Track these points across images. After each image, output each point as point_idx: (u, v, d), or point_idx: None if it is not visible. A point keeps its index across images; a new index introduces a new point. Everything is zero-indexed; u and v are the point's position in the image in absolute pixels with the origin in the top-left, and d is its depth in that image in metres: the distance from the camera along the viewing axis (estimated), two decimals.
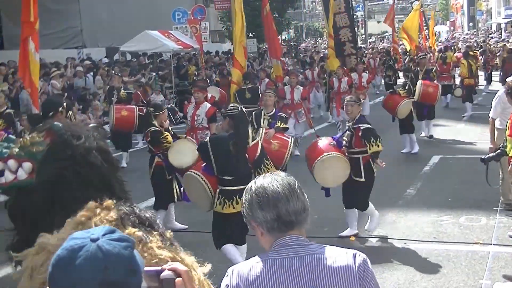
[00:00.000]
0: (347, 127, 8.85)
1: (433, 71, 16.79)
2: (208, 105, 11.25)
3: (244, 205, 2.58)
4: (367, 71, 20.77)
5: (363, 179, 8.48)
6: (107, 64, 24.33)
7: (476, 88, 22.08)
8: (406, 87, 14.90)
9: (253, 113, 10.13)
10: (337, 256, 2.49)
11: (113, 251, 1.43)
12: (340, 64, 18.19)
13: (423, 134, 16.06)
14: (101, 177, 1.97)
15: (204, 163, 7.30)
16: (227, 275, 2.52)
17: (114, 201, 1.75)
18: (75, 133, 2.02)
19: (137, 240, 1.62)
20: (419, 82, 15.10)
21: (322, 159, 8.36)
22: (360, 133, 8.40)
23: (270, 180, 2.56)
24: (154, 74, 23.03)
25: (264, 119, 9.89)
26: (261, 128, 9.18)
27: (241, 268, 2.52)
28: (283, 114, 10.25)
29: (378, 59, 29.26)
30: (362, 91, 17.51)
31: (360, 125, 8.45)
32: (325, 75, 24.21)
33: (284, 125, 9.91)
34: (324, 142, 8.74)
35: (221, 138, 7.24)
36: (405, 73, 16.17)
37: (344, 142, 8.60)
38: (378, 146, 8.32)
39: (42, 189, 1.96)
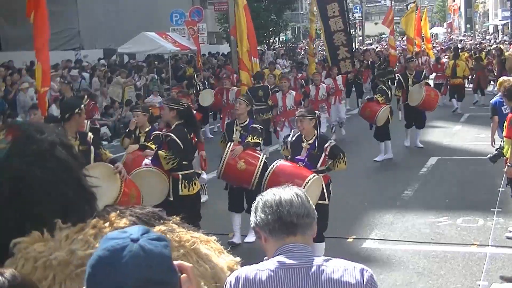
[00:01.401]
0: (308, 147, 7.53)
1: (423, 73, 15.58)
2: None
3: (252, 211, 2.61)
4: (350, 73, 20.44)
5: (326, 201, 7.41)
6: (110, 66, 24.35)
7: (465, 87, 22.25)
8: (383, 93, 13.48)
9: (225, 123, 9.71)
10: (344, 270, 2.45)
11: (155, 250, 1.45)
12: (316, 70, 17.60)
13: (407, 144, 14.96)
14: (69, 172, 1.93)
15: (151, 158, 7.62)
16: (230, 279, 2.44)
17: (118, 211, 1.77)
18: (38, 128, 1.98)
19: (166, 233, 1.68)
20: (418, 87, 14.19)
21: (311, 182, 7.08)
22: (328, 151, 7.51)
23: (279, 189, 2.60)
24: (152, 75, 23.04)
25: (236, 130, 8.92)
26: (229, 144, 8.40)
27: (247, 273, 2.48)
28: (257, 126, 8.81)
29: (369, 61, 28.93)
30: (339, 96, 16.84)
31: (329, 142, 7.68)
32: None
33: (256, 140, 8.55)
34: (289, 165, 7.45)
35: (181, 129, 7.61)
36: (379, 78, 14.58)
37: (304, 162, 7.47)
38: (345, 164, 7.66)
39: (8, 186, 1.88)
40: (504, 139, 7.96)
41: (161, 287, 1.44)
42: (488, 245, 8.08)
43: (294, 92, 14.61)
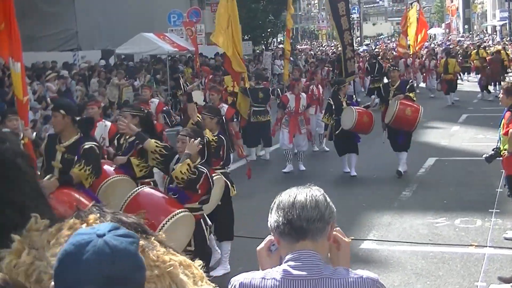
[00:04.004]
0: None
1: (410, 83, 13.13)
2: None
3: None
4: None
5: (192, 248, 6.08)
6: (104, 67, 24.32)
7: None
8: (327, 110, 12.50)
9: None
10: (352, 282, 2.38)
11: (120, 246, 1.44)
12: (294, 76, 15.79)
13: (400, 168, 12.31)
14: (29, 181, 1.93)
15: (115, 166, 6.96)
16: (232, 285, 2.43)
17: (98, 215, 1.71)
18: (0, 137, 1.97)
19: (141, 250, 1.60)
20: (393, 101, 11.97)
21: (175, 220, 5.87)
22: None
23: (297, 189, 2.50)
24: (148, 76, 23.04)
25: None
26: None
27: (248, 281, 2.42)
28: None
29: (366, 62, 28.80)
30: (320, 106, 14.92)
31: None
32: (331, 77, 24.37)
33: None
34: (155, 194, 6.36)
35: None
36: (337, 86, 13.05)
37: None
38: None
39: None
40: (502, 136, 7.97)
41: (124, 285, 1.43)
42: (486, 246, 8.08)
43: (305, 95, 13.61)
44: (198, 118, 7.93)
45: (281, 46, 45.61)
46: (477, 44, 36.14)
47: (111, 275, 1.41)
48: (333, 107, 12.44)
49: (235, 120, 12.27)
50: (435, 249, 8.10)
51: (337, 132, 12.42)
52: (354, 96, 15.05)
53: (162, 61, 26.62)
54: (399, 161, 12.31)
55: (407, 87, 12.35)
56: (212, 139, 7.63)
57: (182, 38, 26.71)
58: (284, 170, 13.04)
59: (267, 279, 2.40)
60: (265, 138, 14.56)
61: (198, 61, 23.86)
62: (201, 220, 6.29)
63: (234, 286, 2.42)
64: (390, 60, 27.03)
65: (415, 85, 15.55)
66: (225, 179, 7.75)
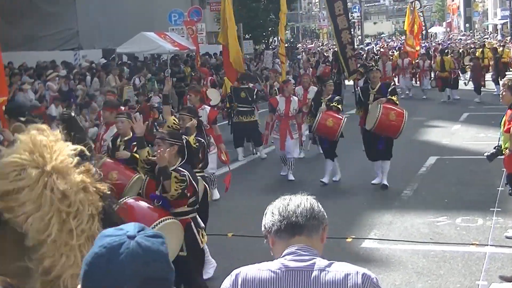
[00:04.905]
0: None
1: (391, 85, 11.85)
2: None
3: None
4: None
5: (184, 253, 6.07)
6: (105, 66, 24.31)
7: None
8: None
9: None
10: (346, 276, 2.42)
11: (152, 247, 1.45)
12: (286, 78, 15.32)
13: (375, 181, 11.43)
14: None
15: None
16: (231, 276, 2.48)
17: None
18: None
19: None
20: (375, 105, 10.93)
21: (158, 229, 5.58)
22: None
23: (290, 195, 2.62)
24: (149, 75, 23.04)
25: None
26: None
27: (248, 272, 2.47)
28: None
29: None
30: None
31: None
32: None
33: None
34: (140, 204, 6.21)
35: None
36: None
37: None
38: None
39: None
40: (503, 134, 7.96)
41: (158, 285, 1.43)
42: (488, 245, 8.07)
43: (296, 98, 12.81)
44: (173, 119, 7.72)
45: (286, 45, 45.69)
46: (482, 43, 36.08)
47: (147, 276, 1.41)
48: (313, 108, 11.85)
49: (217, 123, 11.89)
50: (436, 248, 8.09)
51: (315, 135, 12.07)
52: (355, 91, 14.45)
53: (159, 60, 26.62)
54: (382, 172, 11.25)
55: (389, 90, 11.18)
56: (194, 142, 7.56)
57: (183, 37, 26.72)
58: (282, 173, 12.61)
59: (263, 270, 2.46)
60: (253, 137, 14.51)
61: (199, 60, 23.88)
62: (192, 223, 6.15)
63: (230, 277, 2.48)
64: (391, 59, 26.97)
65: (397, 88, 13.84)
66: (204, 183, 7.52)
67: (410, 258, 7.78)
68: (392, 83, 12.13)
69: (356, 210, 9.96)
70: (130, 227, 1.49)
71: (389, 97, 10.99)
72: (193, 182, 6.04)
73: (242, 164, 14.19)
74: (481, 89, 24.05)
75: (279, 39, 22.87)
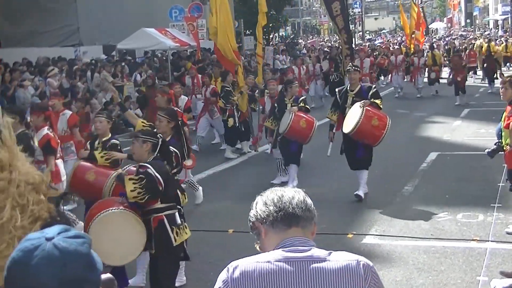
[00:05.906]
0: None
1: (373, 88, 10.49)
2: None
3: (251, 208, 2.60)
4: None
5: (152, 250, 5.89)
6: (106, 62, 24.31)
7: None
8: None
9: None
10: (344, 264, 2.43)
11: (69, 248, 1.42)
12: (272, 78, 14.76)
13: (360, 192, 10.24)
14: None
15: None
16: (227, 270, 2.45)
17: None
18: None
19: None
20: (359, 108, 9.76)
21: (100, 217, 5.70)
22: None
23: (281, 188, 2.64)
24: (150, 72, 23.03)
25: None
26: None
27: (247, 265, 2.44)
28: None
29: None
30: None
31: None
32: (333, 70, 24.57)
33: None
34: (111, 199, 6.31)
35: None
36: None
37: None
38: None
39: None
40: (503, 130, 7.96)
41: (78, 285, 1.41)
42: (488, 241, 8.06)
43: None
44: (142, 122, 7.37)
45: (282, 41, 45.63)
46: (488, 38, 35.96)
47: (64, 277, 1.39)
48: (277, 110, 11.05)
49: None
50: (437, 243, 8.09)
51: (279, 138, 11.01)
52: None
53: (159, 57, 26.58)
54: (359, 182, 10.30)
55: (370, 93, 10.08)
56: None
57: (183, 33, 26.70)
58: (273, 181, 11.60)
59: (262, 262, 2.44)
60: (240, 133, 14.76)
61: (200, 56, 23.88)
62: (165, 220, 5.82)
63: (228, 269, 2.46)
64: (412, 53, 27.06)
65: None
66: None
67: (411, 254, 7.78)
68: (373, 86, 10.88)
69: (357, 205, 9.96)
70: (52, 229, 1.47)
71: (373, 100, 9.95)
72: (158, 176, 5.65)
73: (242, 160, 14.21)
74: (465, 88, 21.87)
75: (280, 35, 22.88)
